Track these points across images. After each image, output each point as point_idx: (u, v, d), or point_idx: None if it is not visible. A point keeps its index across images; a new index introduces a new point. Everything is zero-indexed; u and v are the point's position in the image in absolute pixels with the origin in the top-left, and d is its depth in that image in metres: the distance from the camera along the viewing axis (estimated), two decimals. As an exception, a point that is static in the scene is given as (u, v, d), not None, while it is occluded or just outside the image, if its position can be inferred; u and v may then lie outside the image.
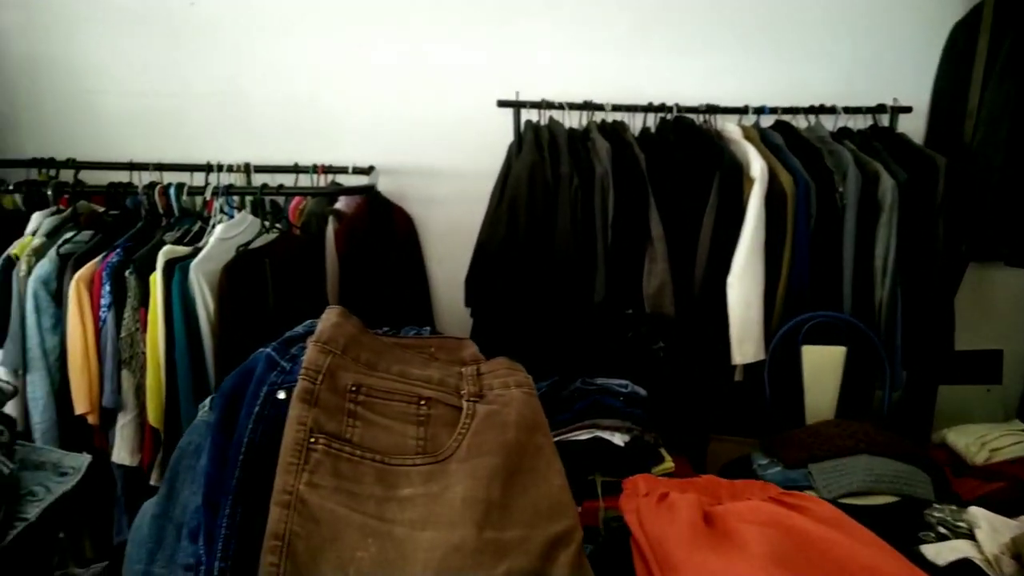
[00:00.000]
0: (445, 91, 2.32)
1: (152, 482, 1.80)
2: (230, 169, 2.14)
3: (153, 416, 1.76)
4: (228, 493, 0.74)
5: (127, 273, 1.75)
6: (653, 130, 2.18)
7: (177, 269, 1.74)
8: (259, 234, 1.90)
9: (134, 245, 1.82)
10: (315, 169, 2.21)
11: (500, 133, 2.17)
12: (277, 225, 1.94)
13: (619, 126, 2.16)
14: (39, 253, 1.77)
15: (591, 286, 2.02)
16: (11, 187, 1.90)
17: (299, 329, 0.92)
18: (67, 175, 2.17)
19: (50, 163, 2.16)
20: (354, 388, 0.84)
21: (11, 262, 1.75)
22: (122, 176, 2.13)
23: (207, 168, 2.14)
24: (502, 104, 2.13)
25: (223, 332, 1.76)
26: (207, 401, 0.92)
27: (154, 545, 0.77)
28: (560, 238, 1.99)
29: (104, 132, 2.31)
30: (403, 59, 2.31)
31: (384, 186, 2.30)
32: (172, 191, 1.90)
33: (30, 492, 0.78)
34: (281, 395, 0.82)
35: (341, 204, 2.11)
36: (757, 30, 2.32)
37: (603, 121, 2.18)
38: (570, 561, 0.74)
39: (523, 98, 2.13)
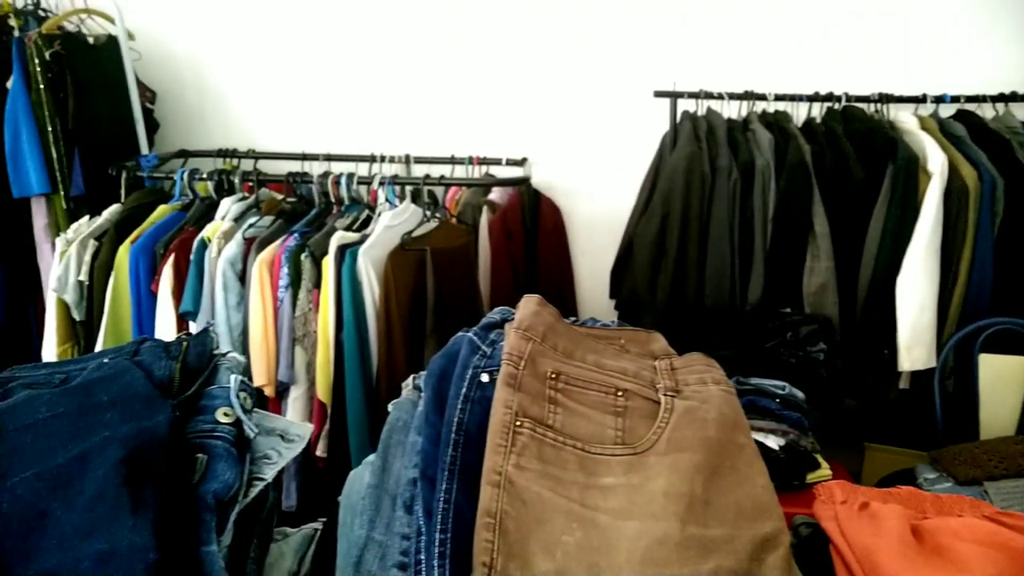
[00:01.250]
0: (601, 82, 2.31)
1: (318, 452, 1.93)
2: (392, 160, 2.24)
3: (322, 391, 1.88)
4: (444, 469, 0.78)
5: (303, 257, 1.86)
6: (818, 120, 2.08)
7: (347, 254, 1.84)
8: (420, 223, 1.98)
9: (309, 231, 1.94)
10: (470, 160, 2.27)
11: (654, 124, 2.15)
12: (437, 215, 2.02)
13: (781, 116, 2.07)
14: (228, 236, 1.92)
15: (746, 283, 1.96)
16: (204, 175, 2.08)
17: (495, 316, 0.96)
18: (247, 164, 2.35)
19: (233, 154, 2.35)
20: (553, 375, 0.86)
21: (204, 244, 1.91)
22: (294, 166, 2.29)
23: (371, 159, 2.24)
24: (659, 94, 2.10)
25: (387, 314, 1.85)
26: (409, 380, 0.98)
27: (373, 513, 0.82)
28: (716, 232, 1.94)
29: (279, 124, 2.48)
30: (559, 50, 2.32)
31: (533, 176, 2.32)
32: (343, 180, 2.02)
33: (265, 455, 0.84)
34: (484, 378, 0.85)
35: (494, 195, 2.15)
36: (934, 11, 2.15)
37: (764, 111, 2.10)
38: (779, 564, 0.72)
39: (680, 88, 2.09)
